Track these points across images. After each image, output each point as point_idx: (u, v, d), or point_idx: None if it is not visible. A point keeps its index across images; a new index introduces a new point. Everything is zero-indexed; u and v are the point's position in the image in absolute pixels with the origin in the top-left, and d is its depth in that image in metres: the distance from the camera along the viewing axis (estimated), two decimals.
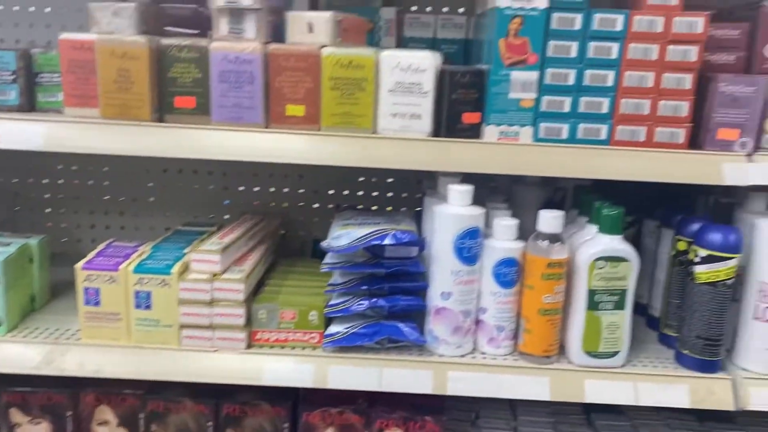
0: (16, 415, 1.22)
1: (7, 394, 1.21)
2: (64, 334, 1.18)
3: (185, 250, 1.20)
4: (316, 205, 1.66)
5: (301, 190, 1.66)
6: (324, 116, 1.11)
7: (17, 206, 1.66)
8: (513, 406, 1.41)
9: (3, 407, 1.21)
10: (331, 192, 1.66)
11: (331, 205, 1.66)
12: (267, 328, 1.17)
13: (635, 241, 1.39)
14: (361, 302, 1.16)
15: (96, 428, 1.24)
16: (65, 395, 1.22)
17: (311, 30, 1.11)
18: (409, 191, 1.66)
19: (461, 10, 1.56)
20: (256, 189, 1.65)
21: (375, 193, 1.67)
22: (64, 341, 1.15)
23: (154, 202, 1.66)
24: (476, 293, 1.17)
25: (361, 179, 1.65)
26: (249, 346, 1.17)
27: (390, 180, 1.66)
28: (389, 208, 1.67)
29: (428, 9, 1.57)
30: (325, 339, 1.16)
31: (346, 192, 1.66)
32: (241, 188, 1.66)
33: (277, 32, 1.17)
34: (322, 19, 1.10)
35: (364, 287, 1.17)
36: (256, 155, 1.12)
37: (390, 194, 1.67)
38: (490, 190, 1.53)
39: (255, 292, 1.22)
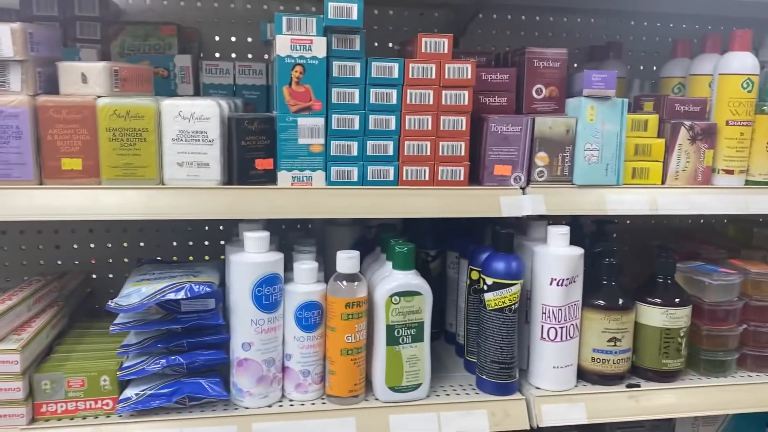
0: None
1: None
2: None
3: None
4: (126, 260, 1.58)
5: (108, 245, 1.57)
6: (103, 168, 1.07)
7: None
8: None
9: None
10: (141, 244, 1.59)
11: (142, 258, 1.58)
12: (53, 399, 1.08)
13: (441, 272, 1.46)
14: (157, 361, 1.10)
15: None
16: None
17: (85, 81, 1.07)
18: (227, 238, 1.63)
19: (266, 56, 1.57)
20: (58, 246, 1.54)
21: (190, 243, 1.62)
22: None
23: None
24: (279, 340, 1.16)
25: (172, 229, 1.60)
26: (32, 420, 1.07)
27: (206, 228, 1.62)
28: (207, 257, 1.63)
29: (233, 55, 1.58)
30: (119, 404, 1.09)
31: (157, 244, 1.60)
32: (40, 247, 1.54)
33: (52, 84, 1.11)
34: (96, 69, 1.06)
35: (161, 345, 1.12)
36: (31, 214, 1.05)
37: (206, 243, 1.63)
38: (305, 232, 1.54)
39: (42, 360, 1.12)
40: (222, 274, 1.26)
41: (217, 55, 1.57)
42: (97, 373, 1.09)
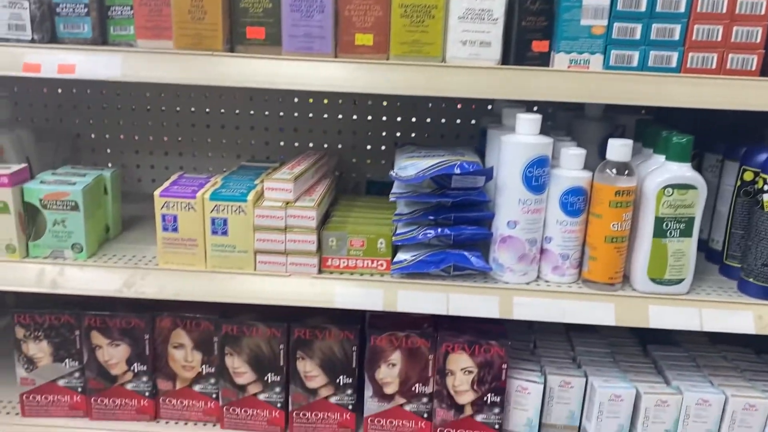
0: (97, 338, 1.28)
1: (89, 318, 1.27)
2: (141, 260, 1.23)
3: (256, 181, 1.23)
4: (368, 147, 1.68)
5: (354, 132, 1.67)
6: (393, 45, 1.12)
7: (78, 147, 1.70)
8: (568, 337, 1.44)
9: (85, 330, 1.27)
10: (383, 134, 1.67)
11: (383, 147, 1.68)
12: (337, 255, 1.20)
13: None
14: (427, 231, 1.18)
15: (172, 351, 1.29)
16: (143, 319, 1.27)
17: None
18: (461, 131, 1.67)
19: None
20: (311, 131, 1.67)
21: (426, 135, 1.68)
22: (143, 266, 1.20)
23: (212, 143, 1.69)
24: (542, 222, 1.19)
25: (413, 120, 1.66)
26: (320, 271, 1.21)
27: (443, 120, 1.67)
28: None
29: None
30: (393, 266, 1.19)
31: (398, 133, 1.67)
32: (295, 130, 1.68)
33: None
34: None
35: (431, 217, 1.19)
36: (326, 85, 1.14)
37: (442, 136, 1.68)
38: (550, 125, 1.54)
39: (323, 222, 1.25)
40: (479, 158, 1.30)
41: None
42: (375, 236, 1.20)
